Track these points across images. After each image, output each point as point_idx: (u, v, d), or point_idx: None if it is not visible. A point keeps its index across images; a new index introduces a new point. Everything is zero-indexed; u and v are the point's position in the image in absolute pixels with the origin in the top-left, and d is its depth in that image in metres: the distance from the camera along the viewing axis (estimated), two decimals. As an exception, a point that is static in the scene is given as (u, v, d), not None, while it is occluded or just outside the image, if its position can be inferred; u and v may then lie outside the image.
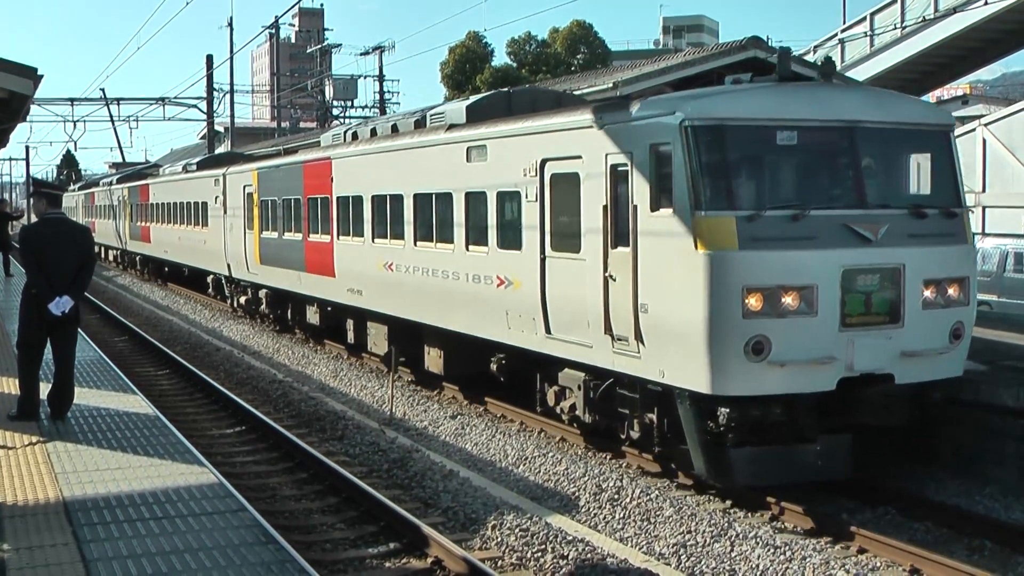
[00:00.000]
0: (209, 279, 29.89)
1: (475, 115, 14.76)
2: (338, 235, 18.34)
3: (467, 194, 14.01)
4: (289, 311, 22.40)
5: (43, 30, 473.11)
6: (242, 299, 25.99)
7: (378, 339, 17.30)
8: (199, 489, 7.87)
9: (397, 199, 16.08)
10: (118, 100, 49.58)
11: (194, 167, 31.60)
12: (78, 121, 51.67)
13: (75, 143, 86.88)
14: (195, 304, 31.16)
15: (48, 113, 49.64)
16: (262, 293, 24.20)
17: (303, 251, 20.22)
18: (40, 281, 9.90)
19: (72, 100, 49.48)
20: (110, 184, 47.25)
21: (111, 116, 49.77)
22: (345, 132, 19.95)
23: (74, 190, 59.79)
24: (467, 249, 14.06)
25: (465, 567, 8.52)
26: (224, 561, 6.33)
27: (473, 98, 16.00)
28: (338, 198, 18.37)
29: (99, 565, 6.26)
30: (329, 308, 19.79)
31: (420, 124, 16.26)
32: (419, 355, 16.15)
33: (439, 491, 11.11)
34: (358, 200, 17.59)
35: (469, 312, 14.01)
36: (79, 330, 10.81)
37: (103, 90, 49.04)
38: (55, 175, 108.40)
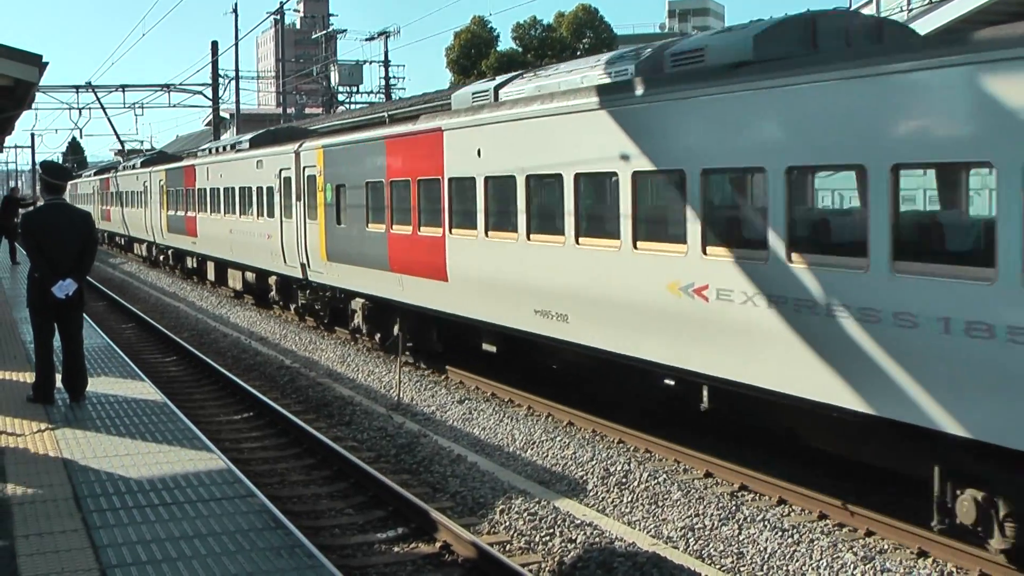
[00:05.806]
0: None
1: None
2: None
3: None
4: None
5: (48, 17, 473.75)
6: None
7: None
8: (208, 475, 7.89)
9: None
10: (123, 87, 49.63)
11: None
12: (83, 108, 51.76)
13: (80, 131, 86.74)
14: (203, 291, 29.14)
15: (53, 100, 49.79)
16: None
17: None
18: (42, 264, 9.96)
19: (77, 87, 49.58)
20: (221, 149, 28.63)
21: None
22: None
23: (136, 166, 42.01)
24: None
25: (474, 551, 8.54)
26: (233, 546, 6.35)
27: None
28: None
29: (109, 551, 6.28)
30: None
31: None
32: None
33: (447, 476, 11.14)
34: None
35: None
36: (85, 316, 10.86)
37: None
38: (62, 161, 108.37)
